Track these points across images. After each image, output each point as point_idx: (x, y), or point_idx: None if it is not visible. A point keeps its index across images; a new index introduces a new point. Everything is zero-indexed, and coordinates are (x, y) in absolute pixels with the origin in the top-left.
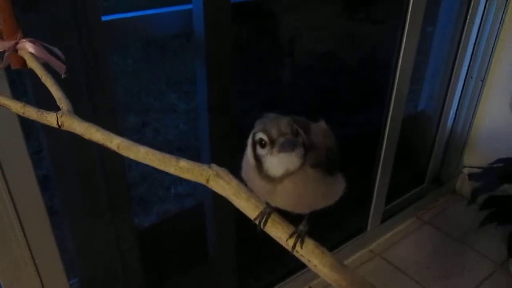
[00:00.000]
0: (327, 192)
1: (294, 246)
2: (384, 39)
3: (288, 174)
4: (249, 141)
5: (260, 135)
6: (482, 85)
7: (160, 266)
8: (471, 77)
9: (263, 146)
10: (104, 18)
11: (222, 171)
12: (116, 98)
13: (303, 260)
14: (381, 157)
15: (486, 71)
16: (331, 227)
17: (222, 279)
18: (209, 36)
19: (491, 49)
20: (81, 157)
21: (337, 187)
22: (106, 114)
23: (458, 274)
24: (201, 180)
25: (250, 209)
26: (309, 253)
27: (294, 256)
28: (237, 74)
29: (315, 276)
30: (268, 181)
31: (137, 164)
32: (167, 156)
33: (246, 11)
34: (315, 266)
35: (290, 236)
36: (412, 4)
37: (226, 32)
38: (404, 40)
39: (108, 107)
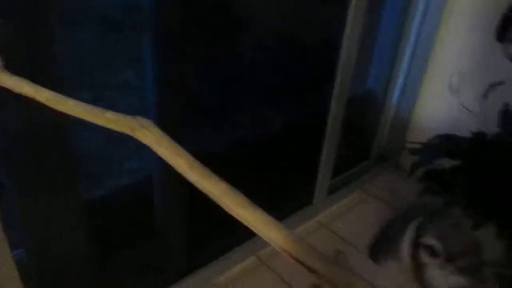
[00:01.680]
0: None
1: None
2: (332, 19)
3: None
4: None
5: (436, 244)
6: (425, 65)
7: (109, 238)
8: (415, 58)
9: (435, 256)
10: None
11: (147, 122)
12: (61, 69)
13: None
14: (327, 133)
15: (429, 52)
16: (279, 199)
17: (171, 251)
18: (158, 8)
19: (434, 30)
20: (26, 129)
21: None
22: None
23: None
24: (127, 130)
25: (171, 156)
26: None
27: (242, 226)
28: (187, 51)
29: (264, 245)
30: None
31: (90, 139)
32: (94, 108)
33: None
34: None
35: None
36: None
37: (175, 4)
38: (349, 19)
39: (49, 75)
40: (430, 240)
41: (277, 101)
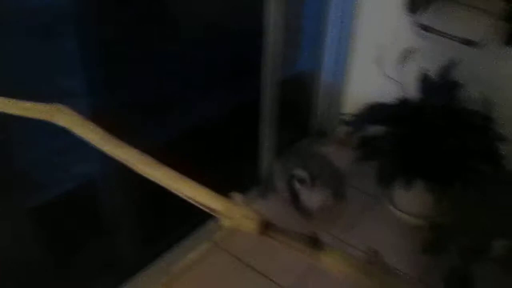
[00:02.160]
0: None
1: None
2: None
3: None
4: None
5: (300, 174)
6: (350, 41)
7: (59, 242)
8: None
9: (302, 182)
10: None
11: (62, 106)
12: None
13: None
14: (264, 117)
15: (352, 28)
16: (226, 181)
17: (124, 247)
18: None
19: (353, 7)
20: None
21: None
22: None
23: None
24: (46, 116)
25: (86, 133)
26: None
27: (195, 213)
28: (113, 52)
29: (217, 228)
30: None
31: (33, 149)
32: (13, 100)
33: None
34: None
35: None
36: None
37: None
38: (270, 5)
39: None
40: (298, 172)
41: (212, 91)
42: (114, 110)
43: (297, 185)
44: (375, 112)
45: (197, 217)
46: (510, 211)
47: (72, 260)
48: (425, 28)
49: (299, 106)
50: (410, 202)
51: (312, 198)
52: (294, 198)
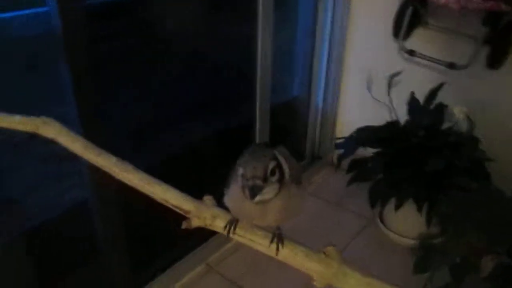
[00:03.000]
0: (303, 201)
1: (277, 249)
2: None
3: (270, 198)
4: (238, 169)
5: (240, 171)
6: (341, 66)
7: (52, 265)
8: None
9: (243, 177)
10: None
11: (48, 119)
12: None
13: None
14: (258, 139)
15: (342, 54)
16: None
17: (115, 271)
18: (67, 37)
19: (344, 33)
20: None
21: (306, 195)
22: None
23: (335, 232)
24: (33, 128)
25: (70, 143)
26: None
27: (189, 235)
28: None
29: (212, 252)
30: (257, 203)
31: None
32: (2, 114)
33: (105, 10)
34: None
35: (271, 241)
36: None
37: (82, 32)
38: (259, 35)
39: None
40: (240, 169)
41: (206, 116)
42: (106, 135)
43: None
44: (365, 135)
45: (191, 240)
46: (499, 227)
47: (63, 285)
48: (410, 52)
49: (293, 131)
50: (401, 222)
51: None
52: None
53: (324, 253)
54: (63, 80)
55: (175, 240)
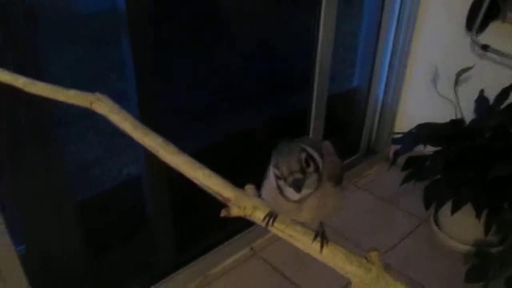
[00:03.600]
0: (340, 200)
1: (321, 247)
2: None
3: (308, 195)
4: (271, 169)
5: (275, 171)
6: (406, 59)
7: (102, 235)
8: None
9: (279, 178)
10: None
11: (102, 96)
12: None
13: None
14: (310, 131)
15: (408, 47)
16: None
17: (164, 246)
18: (130, 15)
19: (412, 24)
20: (18, 139)
21: (343, 196)
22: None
23: (385, 230)
24: (87, 103)
25: (120, 121)
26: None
27: (235, 219)
28: (165, 58)
29: (257, 237)
30: (293, 201)
31: (91, 150)
32: (59, 87)
33: None
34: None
35: (315, 239)
36: None
37: (146, 11)
38: (321, 25)
39: None
40: (273, 169)
41: (261, 103)
42: (163, 114)
43: (277, 180)
44: (426, 131)
45: (237, 223)
46: None
47: (110, 256)
48: (484, 47)
49: (349, 122)
50: (457, 226)
51: (286, 190)
52: (279, 190)
53: (366, 258)
54: (125, 57)
55: (221, 222)
